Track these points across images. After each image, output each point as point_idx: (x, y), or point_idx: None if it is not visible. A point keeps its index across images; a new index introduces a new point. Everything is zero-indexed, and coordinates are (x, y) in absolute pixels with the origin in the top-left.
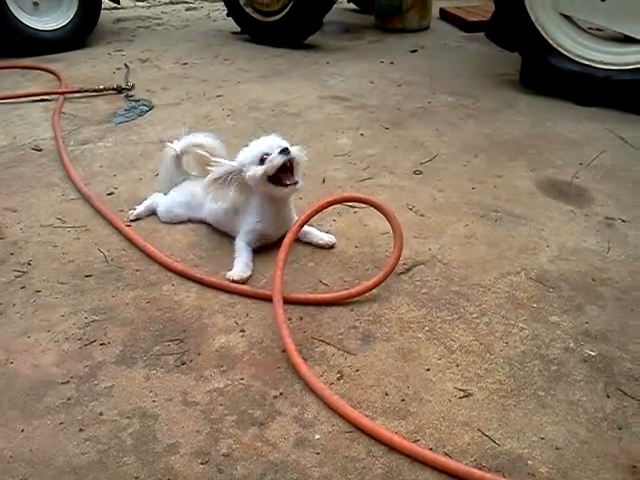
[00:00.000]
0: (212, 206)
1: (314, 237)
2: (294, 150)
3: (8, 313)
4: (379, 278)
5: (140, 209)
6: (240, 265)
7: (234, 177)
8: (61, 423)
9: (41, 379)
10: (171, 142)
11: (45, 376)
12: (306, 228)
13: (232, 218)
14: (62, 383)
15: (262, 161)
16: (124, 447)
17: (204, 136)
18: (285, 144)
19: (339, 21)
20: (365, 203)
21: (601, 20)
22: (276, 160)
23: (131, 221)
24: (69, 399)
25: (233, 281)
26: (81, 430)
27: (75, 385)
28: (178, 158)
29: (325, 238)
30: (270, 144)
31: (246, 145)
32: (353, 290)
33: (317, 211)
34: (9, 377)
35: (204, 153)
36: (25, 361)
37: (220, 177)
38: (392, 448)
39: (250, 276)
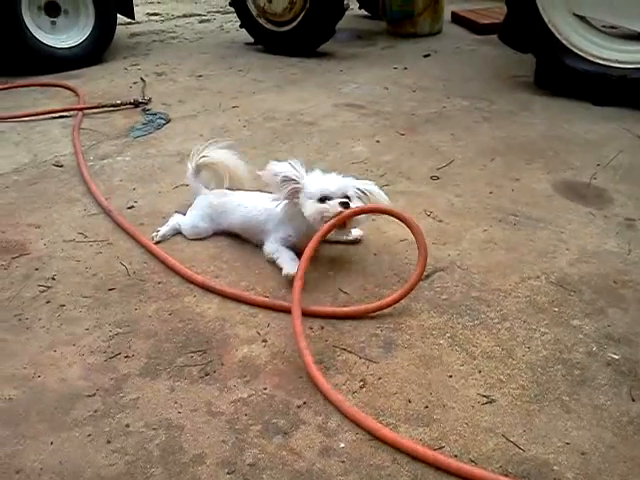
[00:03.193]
0: (242, 211)
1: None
2: (352, 206)
3: (34, 327)
4: (400, 294)
5: (164, 230)
6: (290, 262)
7: (292, 186)
8: (89, 435)
9: (68, 392)
10: (189, 156)
11: (72, 389)
12: None
13: (261, 223)
14: (88, 396)
15: (321, 200)
16: (151, 458)
17: (225, 153)
18: (351, 191)
19: (351, 28)
20: (390, 215)
21: (614, 18)
22: (330, 211)
23: (156, 243)
24: (96, 411)
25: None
26: (109, 442)
27: (101, 398)
28: (196, 172)
29: (353, 233)
30: (338, 186)
31: (322, 170)
32: (374, 305)
33: (341, 221)
34: (37, 391)
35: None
36: (52, 375)
37: (281, 176)
38: (415, 458)
39: None
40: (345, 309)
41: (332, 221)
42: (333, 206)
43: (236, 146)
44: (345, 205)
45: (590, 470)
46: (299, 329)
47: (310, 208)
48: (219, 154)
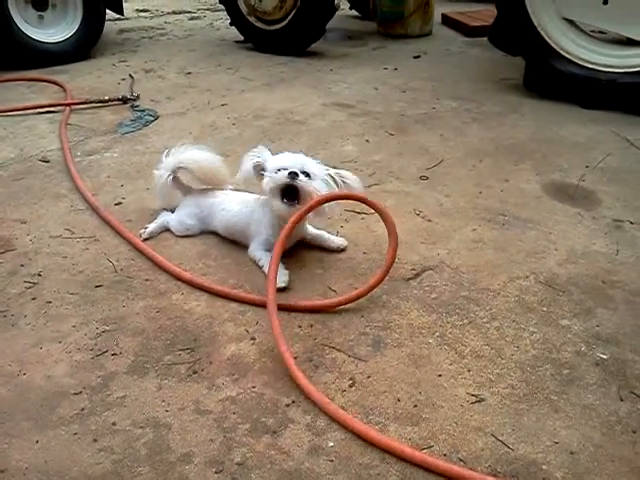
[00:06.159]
0: (224, 215)
1: (325, 241)
2: (304, 179)
3: (20, 324)
4: (376, 280)
5: (152, 227)
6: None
7: (257, 163)
8: (75, 434)
9: (54, 390)
10: (159, 167)
11: (58, 387)
12: (317, 232)
13: (244, 227)
14: (75, 394)
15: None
16: (138, 457)
17: (197, 152)
18: (306, 168)
19: (341, 28)
20: (361, 202)
21: (603, 23)
22: (278, 179)
23: (144, 240)
24: (82, 410)
25: (280, 289)
26: (95, 440)
27: (88, 396)
28: (174, 178)
29: (337, 241)
30: (294, 162)
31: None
32: (352, 294)
33: (312, 207)
34: (22, 388)
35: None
36: (38, 372)
37: (252, 162)
38: (403, 459)
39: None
40: (318, 302)
41: (303, 208)
42: (281, 175)
43: (210, 147)
44: (293, 175)
45: (579, 469)
46: (277, 330)
47: (265, 181)
48: (197, 155)
